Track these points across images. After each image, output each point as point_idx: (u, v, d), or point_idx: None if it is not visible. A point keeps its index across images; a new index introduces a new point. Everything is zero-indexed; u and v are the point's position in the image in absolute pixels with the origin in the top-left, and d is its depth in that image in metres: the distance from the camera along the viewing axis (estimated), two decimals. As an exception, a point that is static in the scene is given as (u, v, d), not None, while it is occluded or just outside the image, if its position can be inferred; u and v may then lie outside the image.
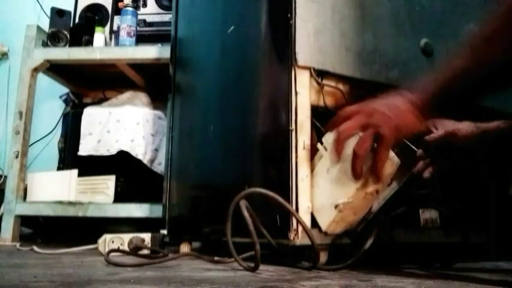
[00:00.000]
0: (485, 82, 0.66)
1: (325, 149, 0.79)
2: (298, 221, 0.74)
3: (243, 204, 0.72)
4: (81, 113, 1.76)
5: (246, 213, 0.70)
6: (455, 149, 0.81)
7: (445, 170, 0.86)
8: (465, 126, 0.81)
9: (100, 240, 1.14)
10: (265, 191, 0.74)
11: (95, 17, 1.87)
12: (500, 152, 0.82)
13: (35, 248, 1.17)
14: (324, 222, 0.78)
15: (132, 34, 1.75)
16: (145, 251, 1.07)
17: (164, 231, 1.20)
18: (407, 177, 0.80)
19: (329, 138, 0.78)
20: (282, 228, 0.81)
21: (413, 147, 0.77)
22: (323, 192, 0.79)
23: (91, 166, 1.68)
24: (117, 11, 1.85)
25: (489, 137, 0.80)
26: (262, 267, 0.74)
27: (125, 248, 1.09)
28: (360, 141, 0.70)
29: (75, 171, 1.67)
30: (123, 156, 1.66)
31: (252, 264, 0.72)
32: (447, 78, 0.66)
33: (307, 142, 0.84)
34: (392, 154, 0.72)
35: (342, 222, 0.78)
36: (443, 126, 0.81)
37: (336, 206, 0.74)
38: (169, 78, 1.34)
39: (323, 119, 0.86)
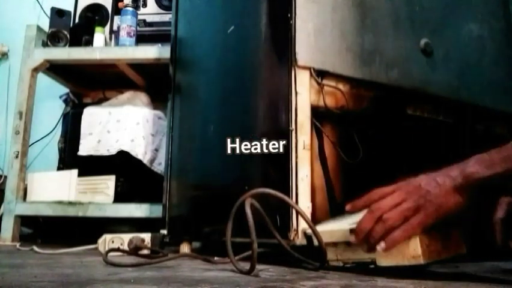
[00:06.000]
0: None
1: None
2: (310, 227, 0.72)
3: (248, 203, 0.71)
4: (81, 113, 1.76)
5: (249, 212, 0.69)
6: None
7: None
8: None
9: (100, 240, 1.14)
10: (274, 192, 0.73)
11: (95, 17, 1.87)
12: None
13: (35, 248, 1.17)
14: None
15: (132, 34, 1.75)
16: (145, 251, 1.07)
17: (164, 231, 1.20)
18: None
19: (356, 219, 0.69)
20: (282, 229, 0.81)
21: None
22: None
23: (91, 166, 1.68)
24: (117, 11, 1.85)
25: None
26: (262, 267, 0.74)
27: (125, 248, 1.09)
28: (363, 222, 0.67)
29: (75, 171, 1.67)
30: (123, 156, 1.65)
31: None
32: (503, 169, 0.62)
33: (307, 142, 0.84)
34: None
35: None
36: None
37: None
38: (169, 78, 1.34)
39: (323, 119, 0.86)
